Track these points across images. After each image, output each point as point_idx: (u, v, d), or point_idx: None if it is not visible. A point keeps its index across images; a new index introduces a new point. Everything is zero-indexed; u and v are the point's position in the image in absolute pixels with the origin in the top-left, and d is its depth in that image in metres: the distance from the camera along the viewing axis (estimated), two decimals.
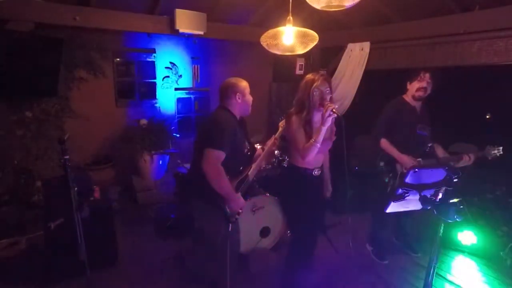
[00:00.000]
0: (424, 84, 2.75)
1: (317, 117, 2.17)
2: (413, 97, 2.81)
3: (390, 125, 2.82)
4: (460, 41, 3.47)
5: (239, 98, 2.15)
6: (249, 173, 2.26)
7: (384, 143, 2.81)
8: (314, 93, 2.09)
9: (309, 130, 2.14)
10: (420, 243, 3.15)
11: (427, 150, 2.75)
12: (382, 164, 2.89)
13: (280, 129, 2.37)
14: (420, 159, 2.76)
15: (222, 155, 1.96)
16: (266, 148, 2.39)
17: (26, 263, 2.94)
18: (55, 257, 2.64)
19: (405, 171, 2.66)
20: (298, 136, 2.13)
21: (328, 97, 2.11)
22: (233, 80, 2.19)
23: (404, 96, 2.90)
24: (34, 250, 3.09)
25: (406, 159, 2.72)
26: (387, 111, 2.88)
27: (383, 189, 2.83)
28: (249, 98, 2.22)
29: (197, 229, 2.34)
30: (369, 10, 3.71)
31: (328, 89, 2.12)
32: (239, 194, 2.15)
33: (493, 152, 2.70)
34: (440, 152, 2.88)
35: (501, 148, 2.71)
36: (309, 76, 2.16)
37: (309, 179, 2.24)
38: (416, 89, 2.77)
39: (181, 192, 3.13)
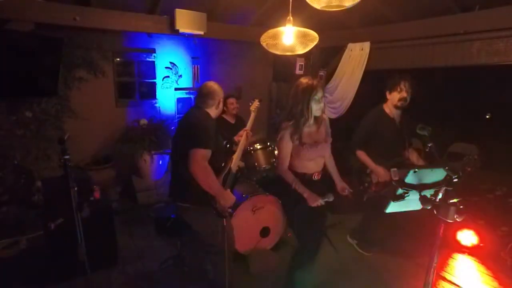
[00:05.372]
0: (404, 94, 2.72)
1: (307, 127, 2.14)
2: (395, 106, 2.79)
3: (368, 136, 2.81)
4: (460, 41, 3.47)
5: (219, 104, 2.25)
6: (232, 165, 2.27)
7: (361, 154, 2.81)
8: (313, 102, 2.05)
9: (298, 144, 2.11)
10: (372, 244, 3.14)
11: (427, 150, 2.73)
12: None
13: (253, 114, 2.41)
14: (395, 169, 2.71)
15: (208, 153, 2.00)
16: (240, 140, 2.48)
17: (26, 263, 2.95)
18: (55, 257, 2.64)
19: (380, 180, 2.70)
20: (285, 152, 2.13)
21: (323, 104, 2.10)
22: (217, 86, 2.25)
23: (384, 106, 2.86)
24: (34, 250, 3.09)
25: (380, 171, 2.70)
26: (366, 122, 2.86)
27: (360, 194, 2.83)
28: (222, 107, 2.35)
29: (193, 231, 2.34)
30: (369, 10, 3.71)
31: (323, 96, 2.10)
32: (228, 189, 2.17)
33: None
34: (414, 158, 2.86)
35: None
36: (306, 81, 2.08)
37: (308, 184, 2.18)
38: (397, 99, 2.75)
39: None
